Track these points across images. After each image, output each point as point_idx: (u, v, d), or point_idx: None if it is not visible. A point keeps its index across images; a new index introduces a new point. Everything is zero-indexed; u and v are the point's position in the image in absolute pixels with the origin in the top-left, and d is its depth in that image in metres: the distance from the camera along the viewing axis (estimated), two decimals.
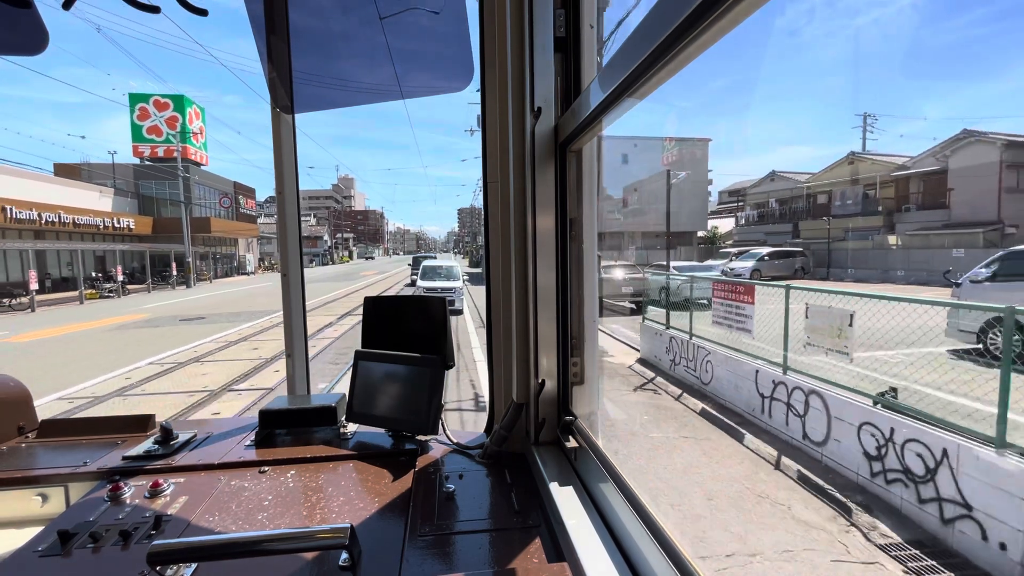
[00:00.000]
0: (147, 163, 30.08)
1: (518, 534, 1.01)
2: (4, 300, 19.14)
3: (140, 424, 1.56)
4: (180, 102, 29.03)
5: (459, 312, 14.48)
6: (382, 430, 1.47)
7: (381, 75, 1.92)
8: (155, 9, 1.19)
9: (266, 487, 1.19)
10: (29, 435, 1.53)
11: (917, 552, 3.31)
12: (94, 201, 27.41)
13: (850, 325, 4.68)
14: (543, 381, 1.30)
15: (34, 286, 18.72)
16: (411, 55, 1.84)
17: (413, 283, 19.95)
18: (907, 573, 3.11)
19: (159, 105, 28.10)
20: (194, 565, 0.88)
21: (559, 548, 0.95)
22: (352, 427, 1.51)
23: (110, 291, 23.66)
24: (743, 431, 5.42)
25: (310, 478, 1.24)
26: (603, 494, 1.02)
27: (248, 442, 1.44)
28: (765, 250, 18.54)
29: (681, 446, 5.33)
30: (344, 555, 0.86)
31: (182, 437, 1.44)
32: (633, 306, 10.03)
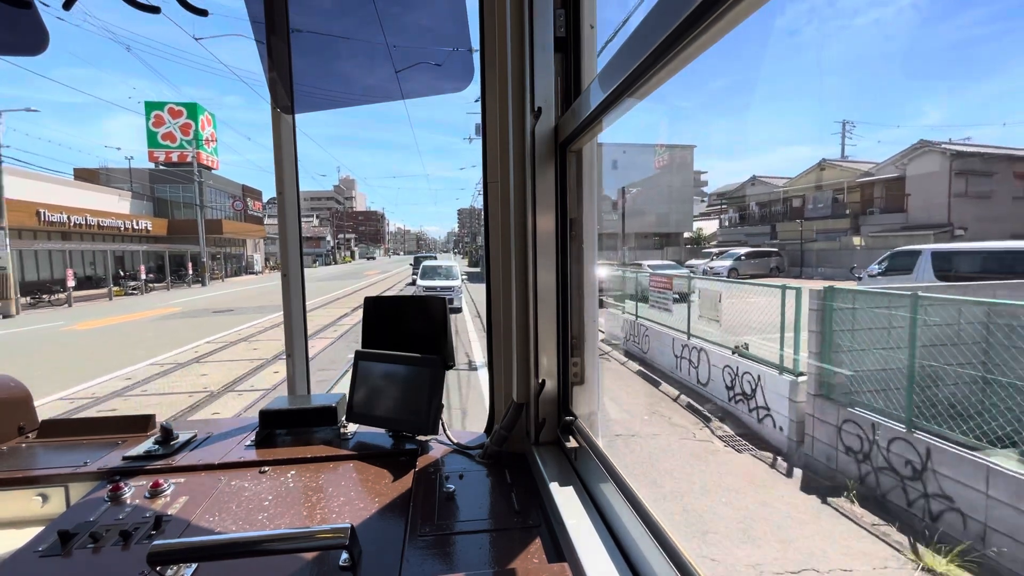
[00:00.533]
0: (162, 167, 31.63)
1: (518, 534, 1.01)
2: (44, 296, 20.52)
3: (140, 424, 1.56)
4: (193, 110, 30.41)
5: (458, 310, 15.10)
6: (382, 430, 1.47)
7: (381, 75, 1.92)
8: (155, 9, 1.19)
9: (266, 487, 1.19)
10: (29, 435, 1.53)
11: (738, 437, 5.51)
12: (114, 204, 29.05)
13: (720, 302, 7.12)
14: (543, 381, 1.30)
15: (71, 283, 20.38)
16: (411, 55, 1.84)
17: (414, 282, 20.41)
18: (725, 444, 5.39)
19: (173, 113, 29.64)
20: (194, 565, 0.88)
21: (559, 548, 0.95)
22: (352, 427, 1.51)
23: (134, 288, 25.26)
24: (661, 381, 7.63)
25: (310, 478, 1.24)
26: (603, 494, 1.02)
27: (248, 442, 1.44)
28: (743, 250, 19.86)
29: (612, 388, 7.65)
30: (344, 555, 0.85)
31: (182, 437, 1.44)
32: (612, 299, 11.75)
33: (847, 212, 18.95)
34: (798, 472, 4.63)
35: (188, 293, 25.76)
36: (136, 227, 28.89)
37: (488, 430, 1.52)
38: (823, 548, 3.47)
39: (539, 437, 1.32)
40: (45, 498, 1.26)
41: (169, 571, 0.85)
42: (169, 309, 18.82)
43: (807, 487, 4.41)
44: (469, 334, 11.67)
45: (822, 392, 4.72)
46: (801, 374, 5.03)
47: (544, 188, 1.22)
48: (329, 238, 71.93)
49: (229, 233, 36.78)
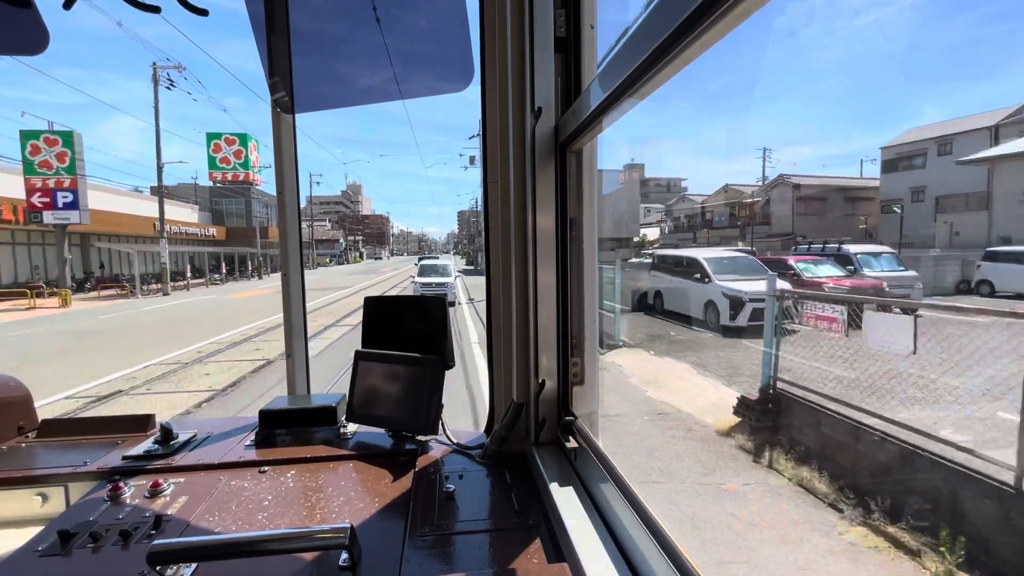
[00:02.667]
0: (218, 185, 41.15)
1: (518, 534, 1.01)
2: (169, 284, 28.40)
3: (140, 424, 1.56)
4: (244, 139, 38.58)
5: (452, 304, 17.33)
6: (382, 430, 1.47)
7: (381, 75, 1.92)
8: (156, 9, 1.19)
9: (266, 487, 1.19)
10: (29, 435, 1.53)
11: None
12: (187, 215, 38.80)
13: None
14: (543, 381, 1.29)
15: (189, 274, 30.20)
16: (411, 55, 1.84)
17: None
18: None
19: (228, 141, 37.73)
20: (194, 565, 0.88)
21: (559, 548, 0.95)
22: (352, 427, 1.51)
23: (217, 280, 33.48)
24: None
25: (310, 478, 1.24)
26: (603, 494, 1.02)
27: (248, 442, 1.44)
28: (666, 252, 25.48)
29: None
30: (344, 555, 0.85)
31: (182, 437, 1.44)
32: None
33: (738, 223, 27.10)
34: None
35: (256, 284, 33.34)
36: (207, 234, 38.50)
37: (488, 430, 1.52)
38: None
39: (539, 437, 1.32)
40: (45, 498, 1.26)
41: (169, 571, 0.85)
42: (266, 290, 25.76)
43: None
44: (463, 307, 16.80)
45: None
46: None
47: (544, 188, 1.22)
48: (342, 240, 78.54)
49: (272, 238, 45.80)
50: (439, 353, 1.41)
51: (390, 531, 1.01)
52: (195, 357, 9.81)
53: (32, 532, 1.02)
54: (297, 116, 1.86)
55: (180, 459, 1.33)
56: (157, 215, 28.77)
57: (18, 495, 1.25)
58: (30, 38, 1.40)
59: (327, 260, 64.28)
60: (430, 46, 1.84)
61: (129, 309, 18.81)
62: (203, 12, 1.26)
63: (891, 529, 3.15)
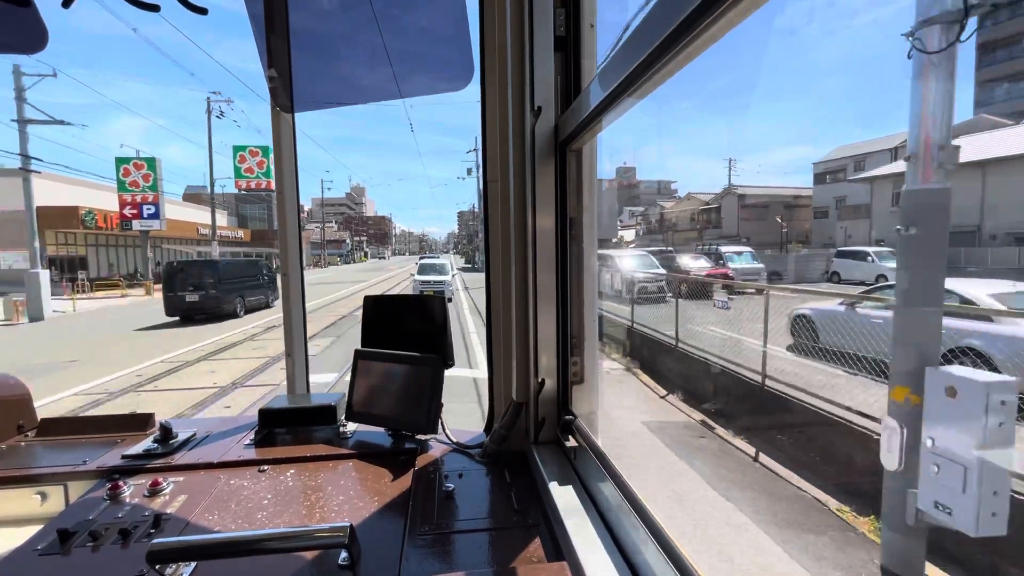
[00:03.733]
0: (243, 192, 45.47)
1: (518, 533, 1.01)
2: None
3: (140, 423, 1.56)
4: (266, 151, 41.97)
5: (450, 299, 18.54)
6: (382, 429, 1.47)
7: (381, 75, 1.91)
8: (155, 8, 1.19)
9: (265, 486, 1.19)
10: (28, 434, 1.53)
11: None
12: (219, 219, 42.44)
13: None
14: (543, 380, 1.30)
15: None
16: (411, 55, 1.84)
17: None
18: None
19: (252, 153, 41.58)
20: (193, 564, 0.88)
21: (559, 547, 0.95)
22: (352, 426, 1.51)
23: None
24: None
25: (310, 477, 1.24)
26: (603, 493, 1.02)
27: (248, 441, 1.44)
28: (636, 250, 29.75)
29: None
30: (344, 554, 0.86)
31: (182, 436, 1.44)
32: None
33: (697, 227, 32.58)
34: None
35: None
36: (236, 236, 43.86)
37: (488, 429, 1.52)
38: None
39: (539, 436, 1.32)
40: (44, 496, 1.26)
41: (168, 570, 0.85)
42: None
43: None
44: (458, 292, 19.34)
45: None
46: None
47: (544, 188, 1.22)
48: (348, 241, 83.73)
49: None
50: (439, 352, 1.41)
51: (390, 530, 1.01)
52: (313, 308, 15.50)
53: (31, 531, 1.02)
54: (298, 118, 1.86)
55: (180, 458, 1.33)
56: (192, 219, 35.90)
57: (17, 494, 1.25)
58: (29, 36, 1.40)
59: (336, 259, 69.75)
60: (430, 45, 1.84)
61: None
62: (202, 11, 1.25)
63: (618, 358, 8.79)
